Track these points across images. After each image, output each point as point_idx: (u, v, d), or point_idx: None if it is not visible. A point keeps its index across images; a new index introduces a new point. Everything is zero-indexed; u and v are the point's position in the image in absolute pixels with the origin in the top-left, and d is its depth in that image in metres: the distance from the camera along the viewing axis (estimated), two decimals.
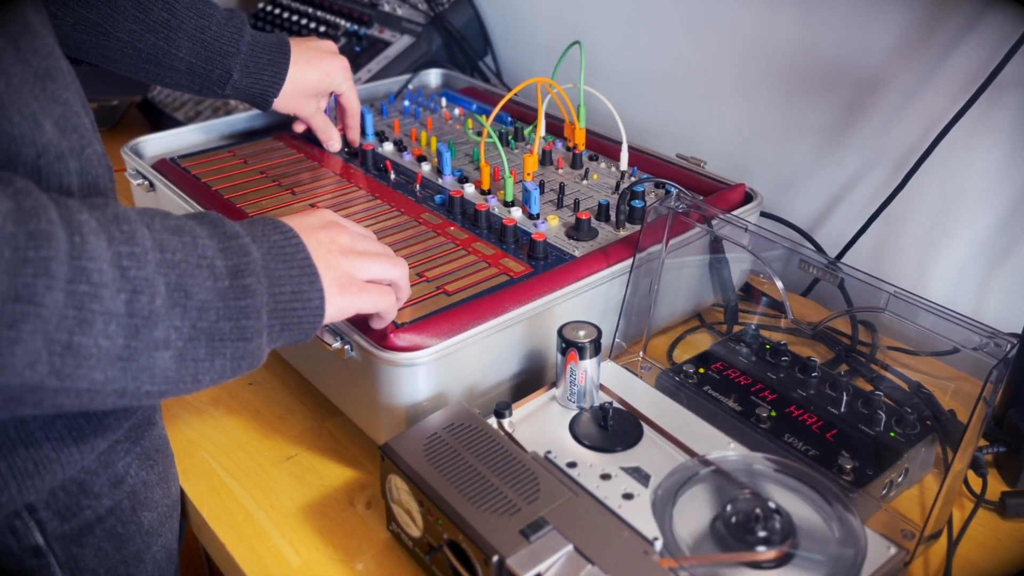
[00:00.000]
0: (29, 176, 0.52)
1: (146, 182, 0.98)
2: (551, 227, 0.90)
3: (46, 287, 0.43)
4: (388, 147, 1.09)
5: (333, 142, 1.06)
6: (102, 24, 0.84)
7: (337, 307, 0.60)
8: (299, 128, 1.08)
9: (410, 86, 1.29)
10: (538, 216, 0.91)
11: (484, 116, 1.11)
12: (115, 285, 0.46)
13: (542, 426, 0.70)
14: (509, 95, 0.99)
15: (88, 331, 0.45)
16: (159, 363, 0.49)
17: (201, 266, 0.51)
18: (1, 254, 0.42)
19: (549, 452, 0.67)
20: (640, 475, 0.65)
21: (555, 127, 1.12)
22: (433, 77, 1.33)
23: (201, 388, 0.53)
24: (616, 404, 0.72)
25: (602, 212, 0.91)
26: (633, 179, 1.00)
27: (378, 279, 0.65)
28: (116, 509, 0.65)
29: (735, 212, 0.88)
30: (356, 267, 0.62)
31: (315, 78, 0.99)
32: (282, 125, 1.17)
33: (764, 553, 0.58)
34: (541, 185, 0.95)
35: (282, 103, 0.98)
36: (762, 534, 0.58)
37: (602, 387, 0.75)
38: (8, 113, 0.50)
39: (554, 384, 0.74)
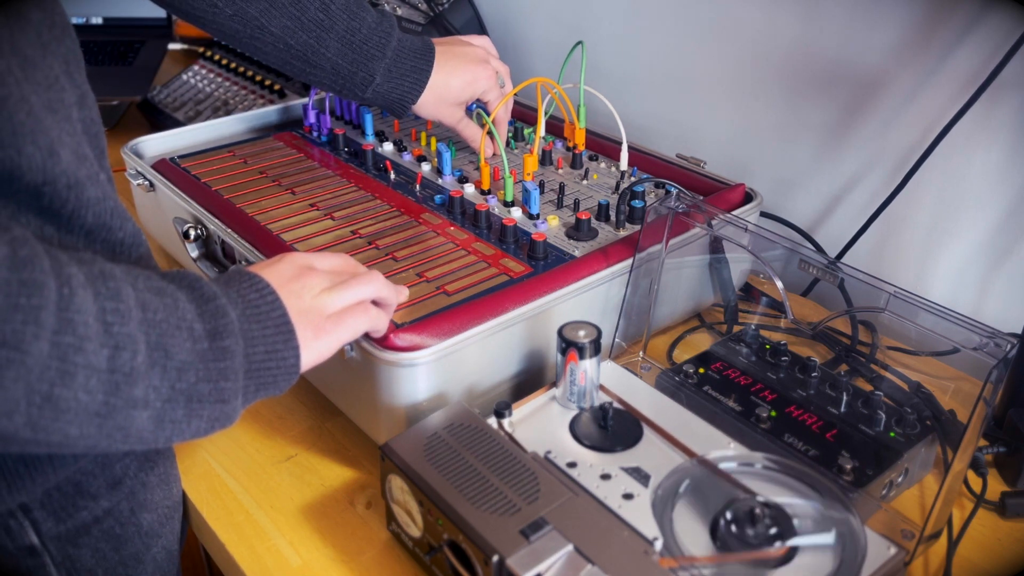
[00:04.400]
0: (28, 199, 0.52)
1: (146, 182, 0.98)
2: (551, 227, 0.90)
3: (34, 336, 0.43)
4: (388, 147, 1.09)
5: (487, 149, 1.00)
6: (259, 19, 0.85)
7: (316, 353, 0.60)
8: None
9: None
10: (538, 216, 0.91)
11: (485, 115, 1.11)
12: (99, 339, 0.46)
13: (542, 426, 0.70)
14: (509, 95, 0.99)
15: (69, 384, 0.45)
16: (136, 422, 0.49)
17: (181, 327, 0.51)
18: None
19: (549, 452, 0.67)
20: (640, 475, 0.65)
21: (555, 127, 1.12)
22: None
23: (169, 445, 0.53)
24: (616, 404, 0.72)
25: (602, 212, 0.91)
26: (633, 179, 1.00)
27: (354, 303, 0.64)
28: (114, 510, 0.65)
29: (735, 212, 0.88)
30: (328, 303, 0.62)
31: (457, 86, 0.95)
32: (282, 126, 1.17)
33: (764, 553, 0.58)
34: (541, 185, 0.95)
35: (424, 109, 0.95)
36: (762, 534, 0.58)
37: (602, 387, 0.75)
38: (19, 143, 0.50)
39: (554, 384, 0.74)
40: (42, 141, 0.51)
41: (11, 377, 0.43)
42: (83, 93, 0.59)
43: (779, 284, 0.79)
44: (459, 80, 0.95)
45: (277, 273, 0.61)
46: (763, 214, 0.99)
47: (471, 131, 1.00)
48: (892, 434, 0.71)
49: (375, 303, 0.67)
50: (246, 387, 0.55)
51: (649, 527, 0.60)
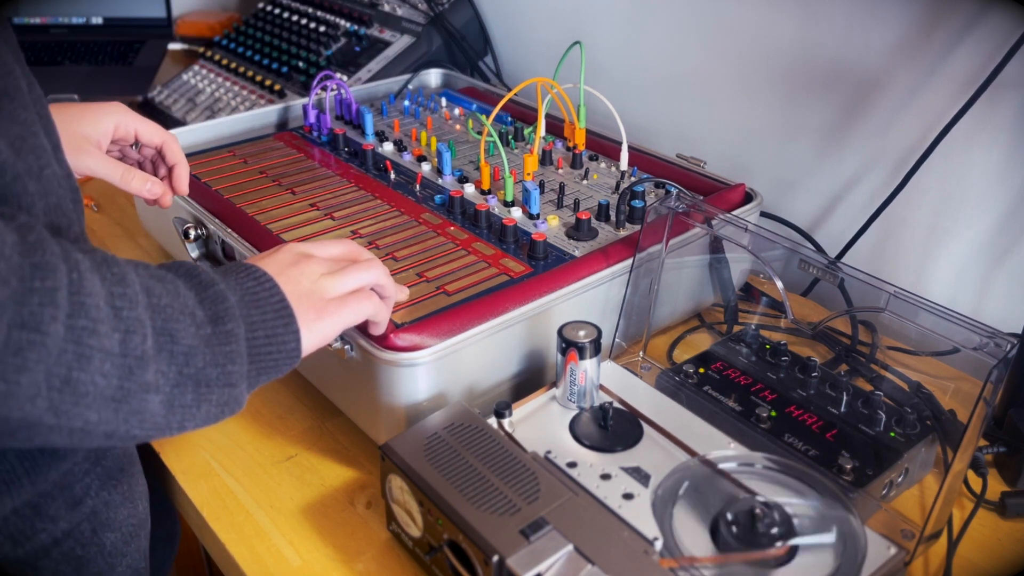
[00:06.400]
0: None
1: None
2: (551, 227, 0.90)
3: (51, 317, 0.44)
4: (388, 147, 1.08)
5: (145, 190, 0.79)
6: None
7: (319, 334, 0.60)
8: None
9: (410, 86, 1.29)
10: (538, 216, 0.91)
11: (484, 116, 1.11)
12: (110, 323, 0.47)
13: (542, 426, 0.70)
14: (509, 95, 0.99)
15: (86, 367, 0.46)
16: (149, 406, 0.49)
17: (184, 313, 0.51)
18: (8, 283, 0.42)
19: (549, 452, 0.67)
20: (640, 475, 0.65)
21: (555, 127, 1.12)
22: (433, 77, 1.33)
23: (185, 432, 0.53)
24: (616, 404, 0.72)
25: (602, 212, 0.91)
26: (633, 179, 1.00)
27: (356, 288, 0.64)
28: (75, 532, 0.63)
29: (735, 212, 0.88)
30: (330, 287, 0.62)
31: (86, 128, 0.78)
32: (282, 125, 1.17)
33: (764, 553, 0.58)
34: (541, 185, 0.95)
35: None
36: (762, 534, 0.58)
37: (602, 387, 0.75)
38: None
39: (554, 384, 0.74)
40: None
41: (33, 359, 0.43)
42: (31, 82, 0.58)
43: (779, 284, 0.79)
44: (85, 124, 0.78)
45: (275, 262, 0.61)
46: (763, 214, 0.99)
47: (112, 170, 0.78)
48: (892, 434, 0.71)
49: (376, 292, 0.67)
50: (250, 371, 0.55)
51: (649, 527, 0.60)
